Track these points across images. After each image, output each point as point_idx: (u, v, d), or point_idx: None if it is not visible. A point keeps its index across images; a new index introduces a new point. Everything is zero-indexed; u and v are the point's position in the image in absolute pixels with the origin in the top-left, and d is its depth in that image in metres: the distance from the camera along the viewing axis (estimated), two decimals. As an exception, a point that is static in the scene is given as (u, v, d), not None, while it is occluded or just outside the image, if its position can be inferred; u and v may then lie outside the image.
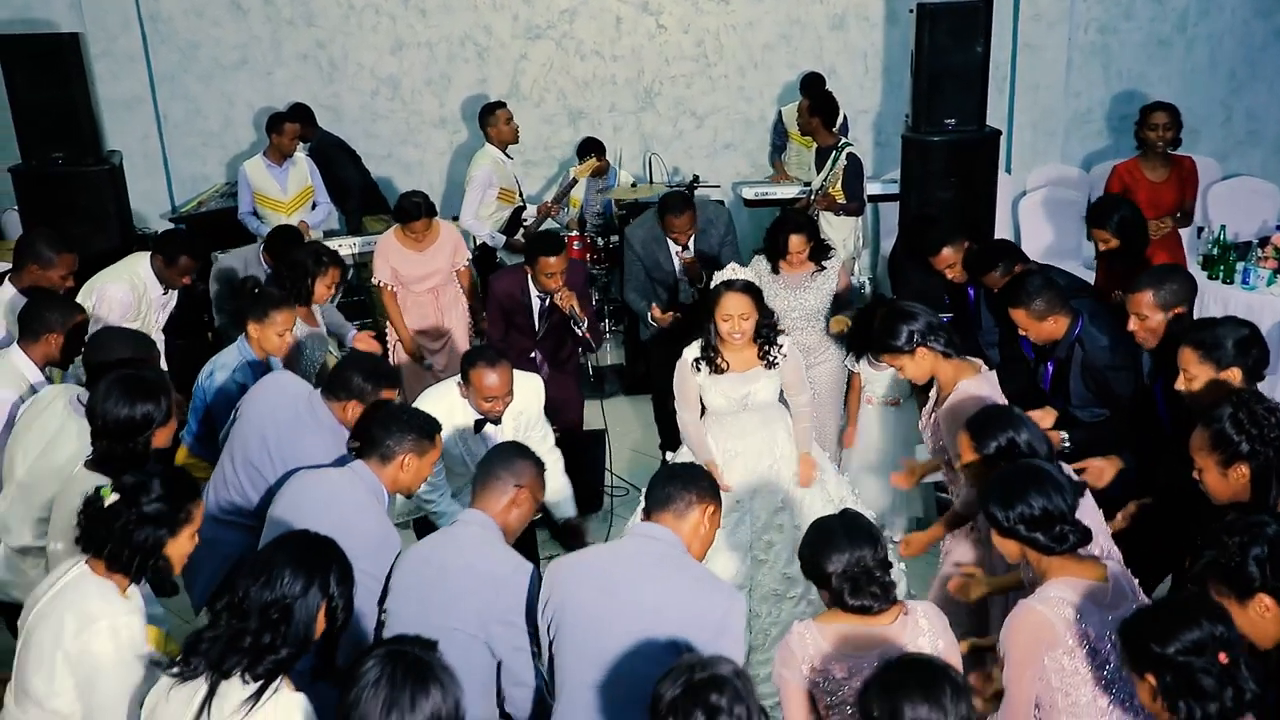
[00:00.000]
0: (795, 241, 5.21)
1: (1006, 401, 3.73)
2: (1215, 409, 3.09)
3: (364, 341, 5.31)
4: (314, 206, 7.28)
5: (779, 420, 4.48)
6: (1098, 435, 4.18)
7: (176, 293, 5.69)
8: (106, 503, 2.83)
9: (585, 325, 5.27)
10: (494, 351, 4.21)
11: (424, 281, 5.97)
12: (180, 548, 2.90)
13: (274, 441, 3.79)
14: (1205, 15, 8.60)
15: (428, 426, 3.50)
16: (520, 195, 7.12)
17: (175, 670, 2.53)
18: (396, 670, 2.27)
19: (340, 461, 3.58)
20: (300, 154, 7.31)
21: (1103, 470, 3.97)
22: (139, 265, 5.42)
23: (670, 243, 5.73)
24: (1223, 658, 2.26)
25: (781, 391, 4.51)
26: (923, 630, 2.80)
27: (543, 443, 4.46)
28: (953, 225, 5.36)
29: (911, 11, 5.98)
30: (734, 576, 4.30)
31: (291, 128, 7.05)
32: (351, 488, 3.34)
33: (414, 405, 4.27)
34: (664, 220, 5.66)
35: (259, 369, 4.44)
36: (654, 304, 5.74)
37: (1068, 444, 4.17)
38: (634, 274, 5.87)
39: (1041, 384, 4.42)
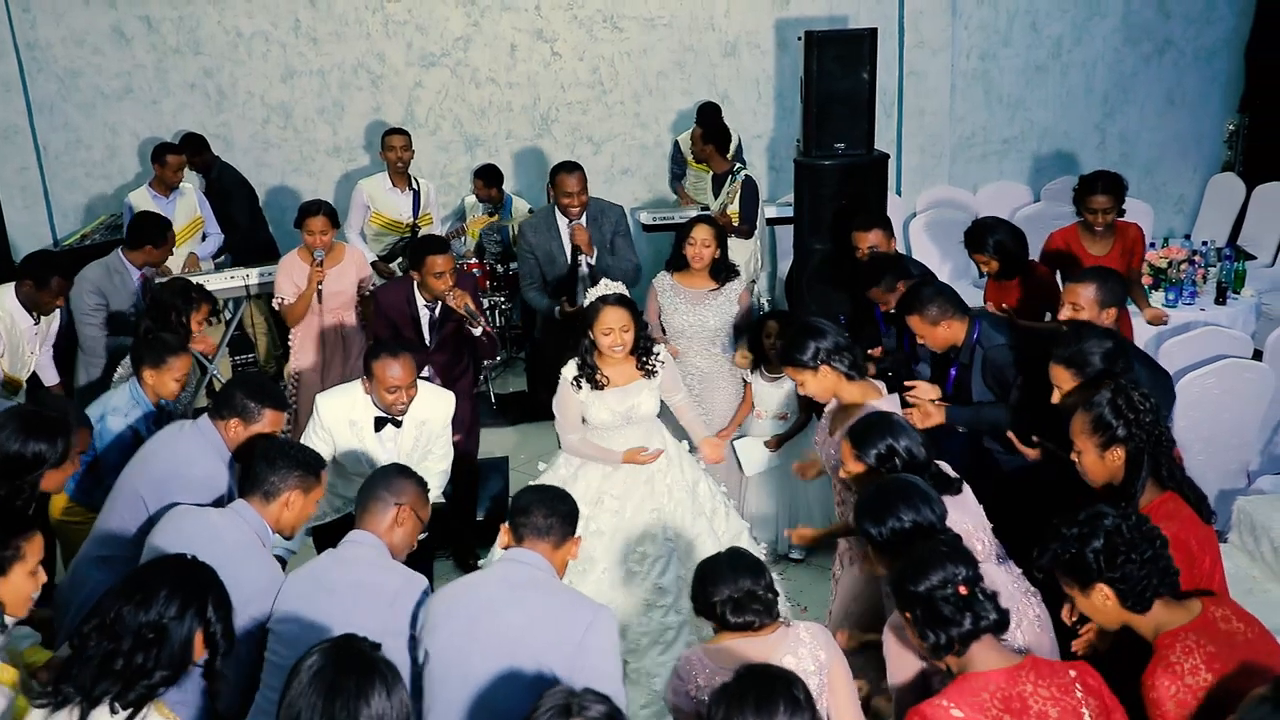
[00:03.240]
0: (699, 230, 5.24)
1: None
2: (1094, 395, 3.27)
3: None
4: (204, 238, 7.12)
5: (657, 435, 4.50)
6: (979, 415, 4.35)
7: (55, 322, 5.49)
8: None
9: (484, 322, 5.18)
10: (396, 344, 4.19)
11: (326, 302, 5.85)
12: (14, 587, 2.77)
13: (157, 473, 3.63)
14: (1078, 43, 8.98)
15: (313, 463, 3.40)
16: (411, 227, 7.06)
17: (42, 701, 2.41)
18: (341, 660, 2.25)
19: (220, 501, 3.46)
20: (189, 184, 7.15)
21: (929, 414, 4.26)
22: (3, 296, 5.23)
23: (561, 230, 5.71)
24: (962, 590, 2.60)
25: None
26: (803, 642, 2.89)
27: (440, 461, 4.46)
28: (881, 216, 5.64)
29: (800, 39, 6.11)
30: (610, 588, 4.31)
31: (175, 159, 6.90)
32: (233, 528, 3.21)
33: (315, 401, 4.24)
34: (555, 181, 5.68)
35: (152, 415, 4.30)
36: (559, 306, 5.70)
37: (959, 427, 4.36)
38: (529, 270, 5.84)
39: (945, 386, 4.52)
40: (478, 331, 5.19)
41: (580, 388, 4.36)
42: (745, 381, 5.44)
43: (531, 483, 4.64)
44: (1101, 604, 2.69)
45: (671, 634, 4.32)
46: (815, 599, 4.86)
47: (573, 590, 3.00)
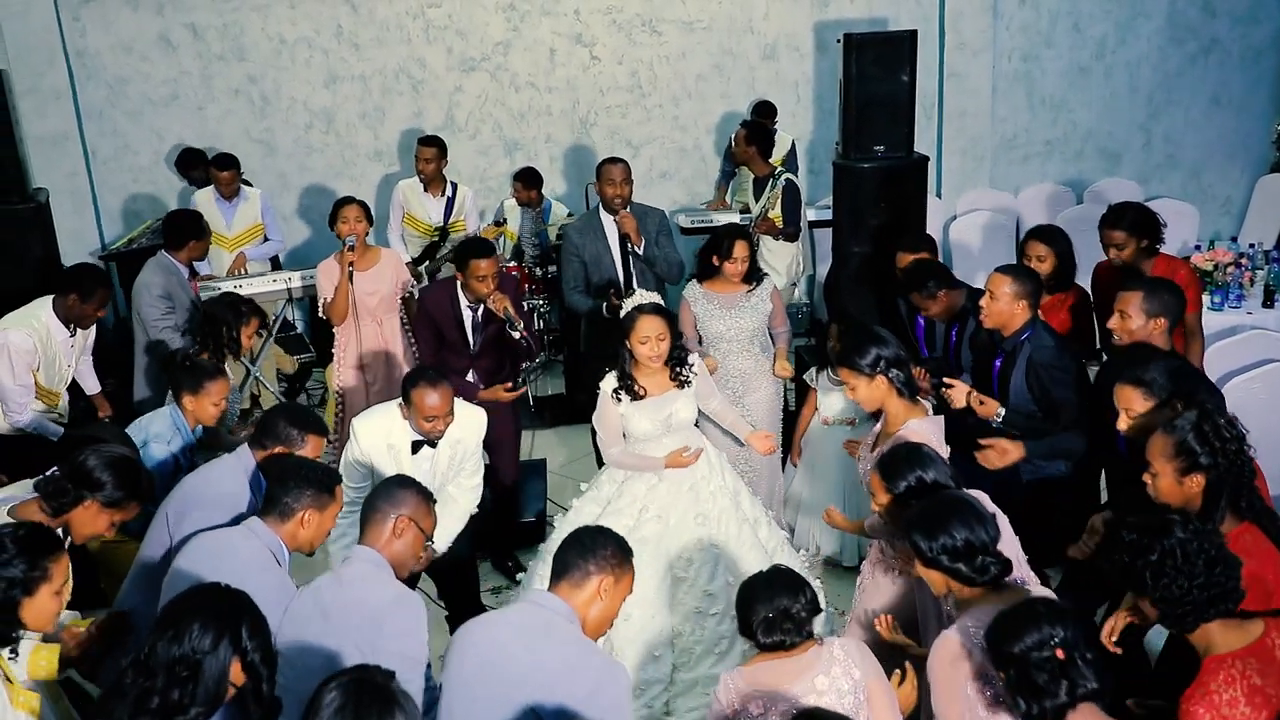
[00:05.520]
0: (739, 247, 5.23)
1: (948, 450, 3.75)
2: (1178, 417, 3.16)
3: None
4: (265, 241, 7.25)
5: (695, 442, 4.49)
6: (1054, 446, 4.27)
7: (93, 334, 5.55)
8: None
9: (522, 327, 5.19)
10: (434, 372, 4.22)
11: (366, 301, 5.88)
12: (41, 607, 2.79)
13: (198, 518, 3.59)
14: (1123, 43, 8.88)
15: (327, 480, 3.36)
16: (440, 232, 7.15)
17: None
18: (362, 696, 2.24)
19: (236, 520, 3.44)
20: (255, 190, 7.33)
21: (1007, 451, 4.11)
22: (40, 310, 5.25)
23: (607, 230, 5.72)
24: (1059, 654, 2.44)
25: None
26: (837, 660, 2.87)
27: (471, 477, 4.47)
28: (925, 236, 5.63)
29: (839, 41, 6.09)
30: (656, 594, 4.31)
31: (226, 175, 7.08)
32: (248, 547, 3.20)
33: (352, 424, 4.27)
34: (600, 173, 5.72)
35: (191, 444, 4.35)
36: (598, 302, 5.67)
37: (1000, 419, 4.29)
38: (573, 273, 5.82)
39: (990, 381, 4.50)
40: (517, 335, 5.21)
41: (620, 400, 4.39)
42: (809, 385, 5.47)
43: (575, 501, 4.67)
44: (1155, 614, 2.67)
45: (725, 643, 4.31)
46: (851, 604, 4.82)
47: (588, 644, 2.87)
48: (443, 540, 4.36)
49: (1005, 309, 4.33)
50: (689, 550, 4.36)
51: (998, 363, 4.46)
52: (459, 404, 4.25)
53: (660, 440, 4.42)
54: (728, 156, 8.54)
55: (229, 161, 7.17)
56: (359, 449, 4.22)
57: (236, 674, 2.49)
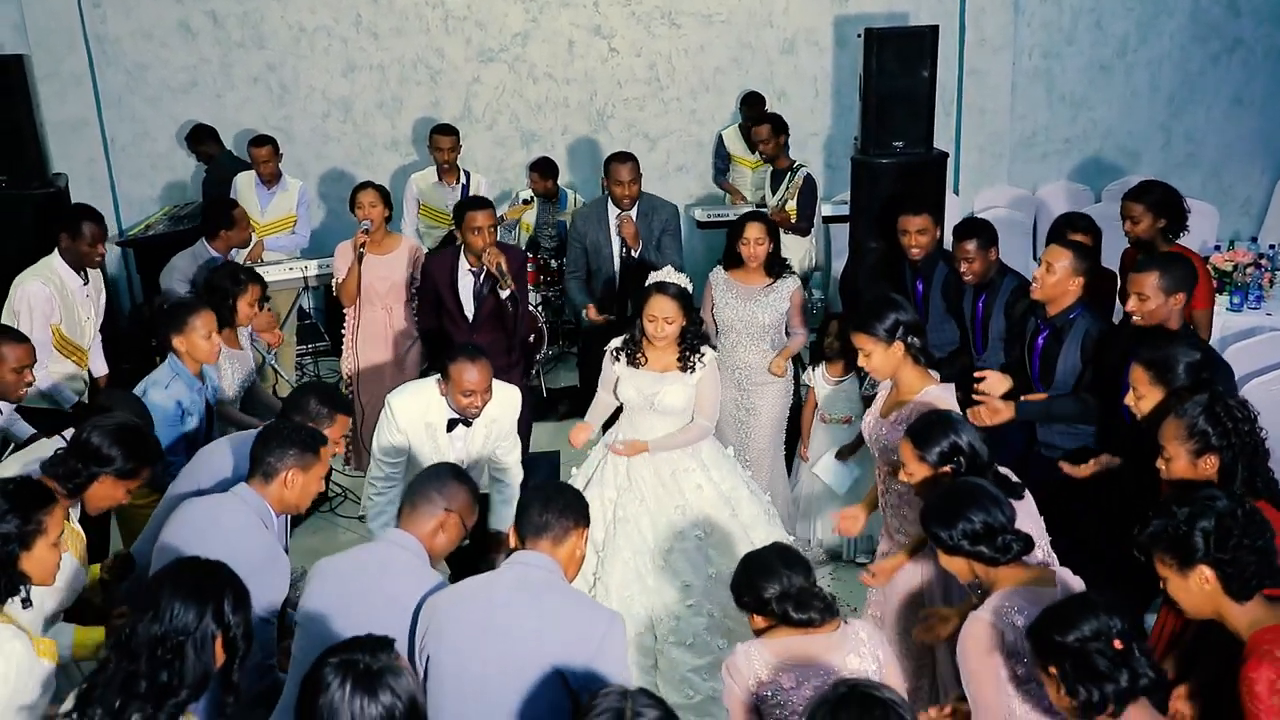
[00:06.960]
0: (752, 229, 5.20)
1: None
2: (1189, 400, 3.17)
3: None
4: (291, 234, 7.28)
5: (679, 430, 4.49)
6: (1050, 409, 4.29)
7: (102, 292, 5.60)
8: None
9: (512, 285, 5.16)
10: (474, 347, 4.20)
11: (377, 286, 5.91)
12: (40, 559, 2.78)
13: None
14: (1144, 41, 8.82)
15: (310, 440, 3.34)
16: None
17: None
18: (347, 679, 2.20)
19: (224, 485, 3.44)
20: (296, 182, 7.34)
21: (998, 411, 4.13)
22: (51, 260, 5.34)
23: (612, 221, 5.78)
24: (1118, 644, 2.39)
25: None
26: (863, 641, 2.88)
27: (509, 454, 4.45)
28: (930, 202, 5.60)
29: (859, 36, 6.06)
30: (635, 575, 4.32)
31: (260, 152, 7.09)
32: (235, 511, 3.19)
33: (388, 401, 4.25)
34: (608, 170, 5.78)
35: (197, 386, 4.34)
36: (591, 304, 5.80)
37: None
38: (574, 258, 5.98)
39: (1030, 361, 4.45)
40: (505, 294, 5.20)
41: (618, 360, 4.48)
42: (807, 385, 5.43)
43: (574, 470, 4.70)
44: (1198, 588, 2.59)
45: (704, 638, 4.30)
46: (864, 599, 4.81)
47: (584, 594, 2.92)
48: (503, 522, 4.38)
49: (1060, 283, 4.28)
50: (667, 540, 4.37)
51: (1040, 340, 4.41)
52: (495, 383, 4.21)
53: (646, 415, 4.45)
54: (718, 152, 8.51)
55: (264, 139, 7.20)
56: (396, 426, 4.18)
57: (219, 651, 2.46)
